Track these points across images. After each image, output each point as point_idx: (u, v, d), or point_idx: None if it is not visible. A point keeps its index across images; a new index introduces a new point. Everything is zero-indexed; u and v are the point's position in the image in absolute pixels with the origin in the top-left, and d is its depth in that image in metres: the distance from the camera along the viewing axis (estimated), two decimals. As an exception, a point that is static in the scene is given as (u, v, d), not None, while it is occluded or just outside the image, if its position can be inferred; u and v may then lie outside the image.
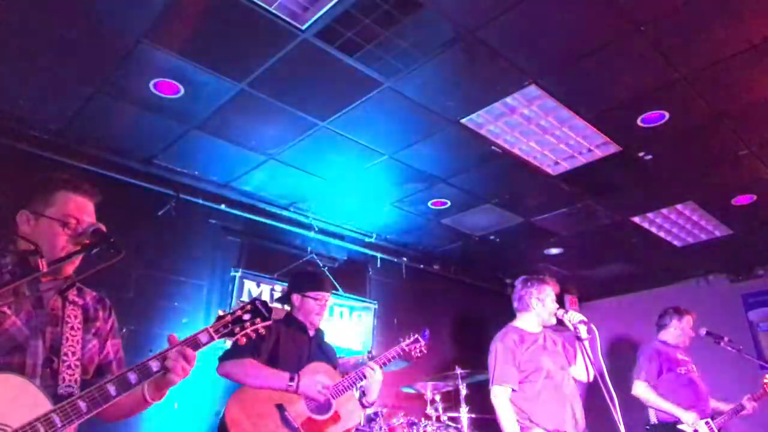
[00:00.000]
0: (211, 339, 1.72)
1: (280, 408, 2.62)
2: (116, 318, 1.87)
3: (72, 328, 1.66)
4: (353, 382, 2.84)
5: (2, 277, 1.57)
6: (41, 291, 1.64)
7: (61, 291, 1.69)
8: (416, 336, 3.22)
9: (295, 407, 2.65)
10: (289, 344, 2.88)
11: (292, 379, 2.65)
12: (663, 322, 4.31)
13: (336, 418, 2.73)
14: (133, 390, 1.55)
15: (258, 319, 1.83)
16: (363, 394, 2.97)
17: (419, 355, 3.22)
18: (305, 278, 3.20)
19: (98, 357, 1.75)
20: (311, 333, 3.06)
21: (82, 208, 1.73)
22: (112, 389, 1.49)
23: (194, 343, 1.67)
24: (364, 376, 2.87)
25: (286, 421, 2.59)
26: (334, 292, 5.00)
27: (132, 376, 1.53)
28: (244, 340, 1.81)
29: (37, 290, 1.63)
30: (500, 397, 3.14)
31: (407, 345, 3.17)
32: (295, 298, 3.06)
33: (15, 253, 1.64)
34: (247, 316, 1.82)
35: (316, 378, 2.71)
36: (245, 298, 4.51)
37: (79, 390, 1.60)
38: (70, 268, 1.71)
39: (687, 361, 4.16)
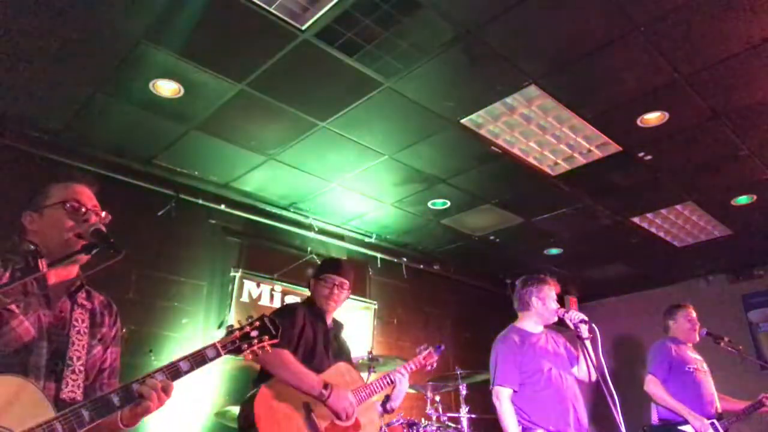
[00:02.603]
0: (218, 354, 1.70)
1: (307, 408, 2.59)
2: (120, 326, 1.86)
3: (79, 332, 1.64)
4: (375, 390, 2.81)
5: (12, 275, 1.57)
6: (50, 292, 1.63)
7: (70, 293, 1.68)
8: (430, 350, 3.27)
9: (321, 409, 2.63)
10: (310, 332, 2.85)
11: (325, 388, 2.60)
12: (665, 321, 4.33)
13: (357, 426, 2.69)
14: (134, 403, 1.51)
15: (266, 337, 1.82)
16: (387, 399, 2.95)
17: (430, 369, 3.27)
18: (323, 263, 3.19)
19: (99, 363, 1.74)
20: (329, 323, 3.00)
21: (81, 192, 1.74)
22: (115, 399, 1.47)
23: (201, 357, 1.65)
24: (390, 383, 2.87)
25: (311, 422, 2.56)
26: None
27: (136, 387, 1.51)
28: (250, 357, 1.80)
29: (46, 291, 1.62)
30: (501, 397, 3.14)
31: (423, 358, 3.23)
32: (311, 283, 3.06)
33: (22, 254, 1.64)
34: (255, 333, 1.80)
35: (345, 401, 2.66)
36: (245, 298, 4.50)
37: (82, 395, 1.58)
38: (74, 266, 1.70)
39: (697, 359, 4.12)
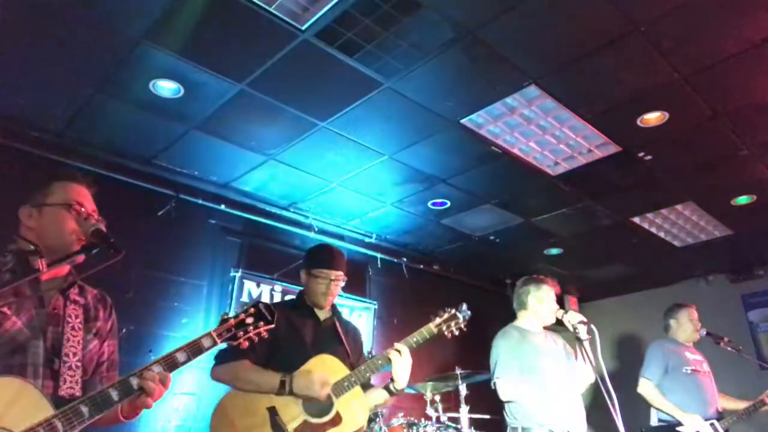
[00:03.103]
0: (214, 343, 1.70)
1: (272, 412, 2.37)
2: (116, 318, 1.85)
3: (73, 328, 1.65)
4: (363, 376, 2.53)
5: (2, 276, 1.57)
6: (42, 291, 1.63)
7: (63, 290, 1.68)
8: (453, 311, 2.76)
9: (288, 410, 2.39)
10: (292, 332, 2.62)
11: (283, 384, 2.37)
12: (666, 320, 4.31)
13: (337, 420, 2.43)
14: (133, 396, 1.52)
15: (261, 323, 1.81)
16: (391, 380, 2.62)
17: (456, 333, 2.73)
18: (315, 253, 2.87)
19: (97, 357, 1.74)
20: (322, 315, 2.79)
21: (82, 194, 1.74)
22: (114, 394, 1.47)
23: (197, 347, 1.65)
24: (379, 368, 2.56)
25: (276, 426, 2.34)
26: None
27: (134, 381, 1.51)
28: (246, 344, 1.78)
29: (38, 290, 1.62)
30: (507, 387, 3.11)
31: (437, 324, 2.71)
32: (302, 275, 2.81)
33: (15, 253, 1.64)
34: (250, 320, 1.79)
35: (312, 377, 2.40)
36: (245, 298, 4.51)
37: (81, 391, 1.59)
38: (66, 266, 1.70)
39: (697, 360, 4.10)
